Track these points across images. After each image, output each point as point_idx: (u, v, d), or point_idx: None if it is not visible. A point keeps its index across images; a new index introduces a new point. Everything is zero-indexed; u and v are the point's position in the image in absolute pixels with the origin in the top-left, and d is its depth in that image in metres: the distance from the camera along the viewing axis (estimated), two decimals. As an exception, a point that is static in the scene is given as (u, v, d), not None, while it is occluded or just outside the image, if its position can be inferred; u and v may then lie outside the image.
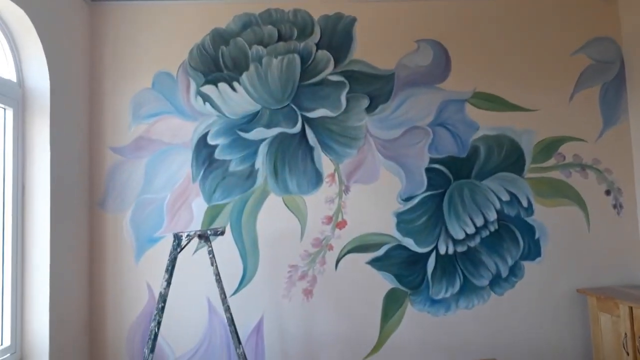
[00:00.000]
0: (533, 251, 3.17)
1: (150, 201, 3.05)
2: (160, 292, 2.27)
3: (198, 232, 2.35)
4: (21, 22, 2.42)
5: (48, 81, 2.54)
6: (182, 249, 2.35)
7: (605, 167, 3.23)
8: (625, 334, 2.71)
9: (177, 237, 2.34)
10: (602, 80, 3.27)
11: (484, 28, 3.25)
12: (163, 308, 2.31)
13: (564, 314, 3.13)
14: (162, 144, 3.08)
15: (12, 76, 2.49)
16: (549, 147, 3.22)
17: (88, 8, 3.08)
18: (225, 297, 2.31)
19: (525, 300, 3.13)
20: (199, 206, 3.07)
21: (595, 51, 3.28)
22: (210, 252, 2.34)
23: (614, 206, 3.22)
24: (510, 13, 3.27)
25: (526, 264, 3.16)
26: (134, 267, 3.00)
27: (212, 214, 3.07)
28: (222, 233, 2.59)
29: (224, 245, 3.04)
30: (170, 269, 2.30)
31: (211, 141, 3.09)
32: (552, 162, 3.21)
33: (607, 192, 3.22)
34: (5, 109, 2.42)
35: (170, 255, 2.33)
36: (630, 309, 2.68)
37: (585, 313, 3.12)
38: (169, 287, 2.29)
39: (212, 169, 3.08)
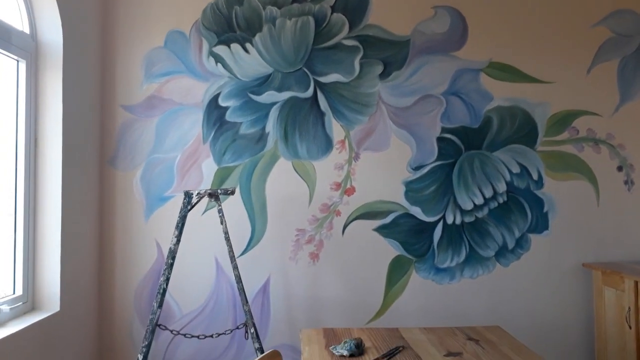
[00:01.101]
0: (541, 224, 3.17)
1: (160, 160, 3.07)
2: (170, 248, 2.30)
3: (209, 191, 2.37)
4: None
5: (61, 35, 2.52)
6: (192, 207, 2.37)
7: (619, 142, 3.20)
8: (629, 307, 2.72)
9: (188, 195, 2.36)
10: (621, 54, 3.21)
11: (503, -5, 3.19)
12: (172, 265, 2.35)
13: (568, 288, 3.15)
14: (173, 104, 3.08)
15: (25, 29, 2.47)
16: (563, 121, 3.18)
17: (101, -38, 3.03)
18: (234, 255, 2.34)
19: (530, 272, 3.15)
20: (208, 167, 3.08)
21: (616, 24, 3.21)
22: (220, 210, 2.36)
23: (625, 182, 3.20)
24: (531, -19, 3.20)
25: (533, 237, 3.16)
26: (143, 225, 3.04)
27: (222, 175, 3.08)
28: (232, 193, 2.60)
29: (233, 207, 3.06)
30: (180, 226, 2.33)
31: (222, 103, 3.08)
32: (565, 135, 3.18)
33: (619, 168, 3.20)
34: (18, 61, 2.41)
35: (180, 212, 2.36)
36: (636, 283, 2.69)
37: (589, 287, 3.13)
38: (179, 244, 2.32)
39: (222, 131, 3.08)
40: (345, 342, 1.97)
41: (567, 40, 3.19)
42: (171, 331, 2.48)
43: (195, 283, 3.05)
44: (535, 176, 3.16)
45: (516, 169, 3.16)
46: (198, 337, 2.50)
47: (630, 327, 2.72)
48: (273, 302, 3.08)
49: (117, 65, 3.07)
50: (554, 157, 3.17)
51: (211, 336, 2.50)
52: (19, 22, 2.45)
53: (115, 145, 3.07)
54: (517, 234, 3.16)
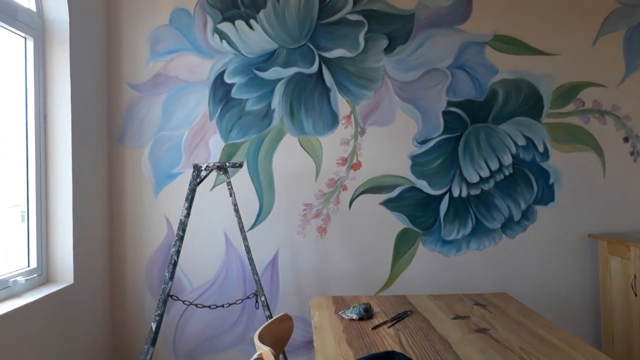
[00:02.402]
0: (547, 196, 3.19)
1: (168, 138, 3.10)
2: (181, 220, 2.35)
3: (217, 164, 2.40)
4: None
5: (67, 12, 2.54)
6: (201, 180, 2.41)
7: (625, 113, 3.20)
8: (635, 275, 2.75)
9: (197, 168, 2.39)
10: (627, 25, 3.19)
11: (508, -33, 3.17)
12: (182, 237, 2.39)
13: (574, 258, 3.17)
14: (179, 82, 3.10)
15: (32, 6, 2.49)
16: (568, 93, 3.18)
17: (105, -60, 3.03)
18: (243, 227, 2.38)
19: (536, 243, 3.18)
20: (216, 144, 3.11)
21: (623, -7, 3.19)
22: (229, 183, 2.39)
23: (631, 153, 3.20)
24: (536, -49, 3.17)
25: (539, 209, 3.19)
26: (153, 201, 3.08)
27: (229, 152, 3.11)
28: (241, 166, 2.64)
29: (241, 183, 3.09)
30: (190, 199, 2.37)
31: (228, 79, 3.10)
32: (570, 107, 3.18)
33: (625, 139, 3.20)
34: (26, 39, 2.44)
35: (190, 185, 2.39)
36: (641, 251, 2.71)
37: (595, 257, 3.16)
38: (189, 216, 2.36)
39: (228, 108, 3.10)
40: (354, 307, 2.02)
41: (572, 12, 3.18)
42: (183, 302, 2.54)
43: (205, 258, 3.10)
44: (541, 148, 3.17)
45: (522, 142, 3.17)
46: (210, 307, 2.56)
47: (635, 294, 2.74)
48: (282, 275, 3.13)
49: (123, 44, 3.09)
50: (560, 129, 3.18)
51: (222, 306, 2.55)
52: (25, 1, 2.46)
53: (123, 124, 3.10)
54: (523, 206, 3.18)
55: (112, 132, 3.09)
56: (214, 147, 3.11)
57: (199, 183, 2.43)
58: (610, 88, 3.19)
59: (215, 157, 3.11)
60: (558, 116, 3.18)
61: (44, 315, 2.30)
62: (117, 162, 3.10)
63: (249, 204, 3.11)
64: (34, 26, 2.46)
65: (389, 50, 3.12)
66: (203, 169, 2.39)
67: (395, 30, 3.13)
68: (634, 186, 3.19)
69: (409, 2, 3.13)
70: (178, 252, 2.36)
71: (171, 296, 2.48)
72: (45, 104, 2.55)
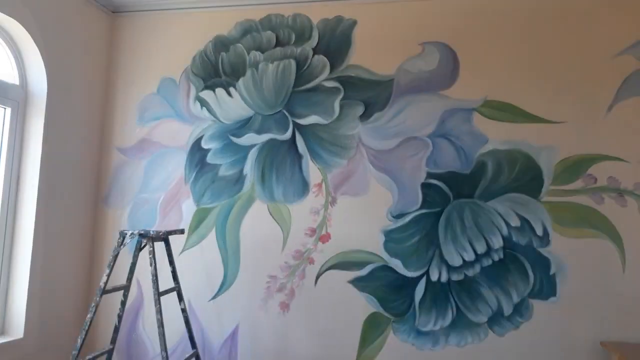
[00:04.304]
0: (546, 289, 2.66)
1: (146, 200, 3.19)
2: (100, 287, 2.34)
3: (140, 231, 2.39)
4: (22, 35, 2.71)
5: (46, 85, 2.80)
6: (124, 246, 2.41)
7: (652, 194, 2.61)
8: (639, 405, 2.13)
9: (122, 235, 2.40)
10: (653, 88, 2.66)
11: (500, 25, 2.85)
12: (98, 303, 2.36)
13: (581, 370, 2.57)
14: (161, 146, 3.21)
15: (15, 79, 2.78)
16: (575, 167, 2.69)
17: (107, 18, 3.34)
18: (159, 297, 2.30)
19: (531, 345, 2.63)
20: (188, 207, 3.12)
21: (647, 52, 2.69)
22: (151, 252, 2.35)
23: (662, 244, 2.57)
24: (533, 6, 2.82)
25: (536, 303, 2.66)
26: (127, 263, 3.13)
27: (200, 216, 3.10)
28: (182, 232, 2.64)
29: (208, 250, 3.05)
30: (112, 265, 2.37)
31: (205, 145, 3.14)
32: (578, 184, 2.68)
33: (653, 226, 2.59)
34: (5, 109, 2.72)
35: (114, 251, 2.40)
36: (645, 374, 2.10)
37: (610, 373, 2.53)
38: (108, 281, 2.36)
39: (203, 172, 3.12)
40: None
41: (580, 73, 2.73)
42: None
43: (169, 324, 3.03)
44: (539, 231, 2.69)
45: (515, 222, 2.72)
46: (132, 378, 2.47)
47: None
48: (240, 352, 2.96)
49: (115, 111, 3.31)
50: (564, 210, 2.68)
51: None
52: (10, 73, 2.76)
53: (110, 185, 3.26)
54: (516, 299, 2.68)
55: (99, 192, 3.27)
56: (187, 211, 3.13)
57: (121, 248, 2.43)
58: (632, 163, 2.63)
59: (187, 220, 3.12)
60: (562, 194, 2.69)
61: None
62: (101, 222, 3.25)
63: (214, 271, 3.03)
64: (15, 98, 2.74)
65: (364, 117, 2.94)
66: (127, 235, 2.39)
67: (373, 97, 2.95)
68: (666, 285, 2.54)
69: (389, 67, 2.95)
70: (91, 320, 2.35)
71: (96, 362, 2.45)
72: (19, 168, 2.78)
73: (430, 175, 2.84)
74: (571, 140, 2.71)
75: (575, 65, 2.75)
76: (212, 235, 3.07)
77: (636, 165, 2.63)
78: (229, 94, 3.14)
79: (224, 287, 3.02)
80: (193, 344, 2.65)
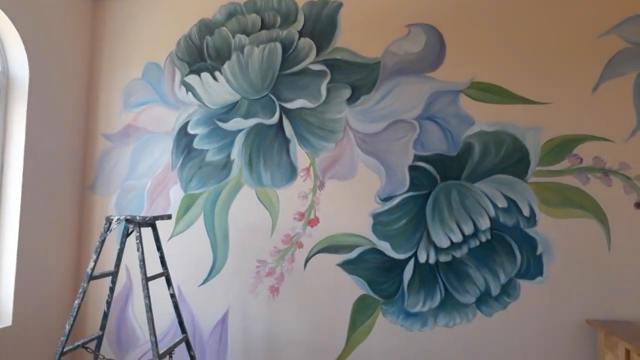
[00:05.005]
0: (533, 269, 2.68)
1: (133, 187, 3.17)
2: (87, 273, 2.33)
3: (126, 217, 2.37)
4: (3, 20, 2.66)
5: (27, 71, 2.75)
6: (110, 232, 2.39)
7: (637, 173, 2.62)
8: (622, 380, 2.16)
9: (108, 220, 2.38)
10: (638, 67, 2.66)
11: (486, 7, 2.83)
12: (85, 289, 2.35)
13: (567, 347, 2.60)
14: (147, 132, 3.18)
15: (-3, 65, 2.74)
16: (561, 147, 2.70)
17: (90, 3, 3.28)
18: (147, 282, 2.29)
19: (518, 324, 2.66)
20: (176, 193, 3.11)
21: (632, 32, 2.68)
22: (138, 237, 2.34)
23: (647, 222, 2.60)
24: (521, -10, 2.82)
25: (523, 283, 2.68)
26: (116, 250, 3.12)
27: (188, 202, 3.09)
28: (169, 217, 2.62)
29: (197, 235, 3.04)
30: (99, 251, 2.36)
31: (191, 130, 3.11)
32: (564, 164, 2.69)
33: (638, 205, 2.61)
34: (-14, 94, 2.68)
35: (100, 237, 2.38)
36: (628, 352, 2.13)
37: (595, 349, 2.56)
38: (95, 267, 2.34)
39: (190, 158, 3.10)
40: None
41: (566, 54, 2.73)
42: (94, 352, 2.49)
43: (158, 310, 3.04)
44: (526, 212, 2.70)
45: (502, 203, 2.73)
46: (121, 364, 2.47)
47: (621, 405, 2.15)
48: (231, 336, 2.96)
49: (100, 97, 3.27)
50: (551, 190, 2.69)
51: (133, 365, 2.45)
52: (-9, 60, 2.72)
53: (96, 172, 3.23)
54: (503, 279, 2.70)
55: (84, 180, 3.24)
56: (174, 197, 3.11)
57: (108, 234, 2.42)
58: (617, 143, 2.65)
59: (174, 207, 3.10)
60: (548, 174, 2.70)
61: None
62: (88, 209, 3.22)
63: (203, 257, 3.03)
64: (-4, 83, 2.70)
65: (351, 100, 2.93)
66: (114, 221, 2.37)
67: (359, 80, 2.93)
68: (650, 263, 2.57)
69: (375, 50, 2.93)
70: (79, 304, 2.33)
71: (85, 348, 2.44)
72: (3, 153, 2.74)
73: (417, 157, 2.84)
74: (557, 120, 2.71)
75: (561, 45, 2.74)
76: (200, 221, 3.05)
77: (621, 144, 2.65)
78: (215, 78, 3.10)
79: (213, 272, 3.02)
80: (183, 329, 2.65)
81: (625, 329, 2.33)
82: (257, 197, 3.01)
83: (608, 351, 2.36)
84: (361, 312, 2.84)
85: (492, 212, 2.74)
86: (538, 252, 2.68)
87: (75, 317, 2.33)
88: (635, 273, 2.57)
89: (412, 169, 2.83)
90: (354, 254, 2.87)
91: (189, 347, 2.65)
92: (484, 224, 2.74)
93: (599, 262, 2.62)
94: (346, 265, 2.88)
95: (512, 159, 2.74)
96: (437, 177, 2.81)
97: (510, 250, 2.71)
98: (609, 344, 2.35)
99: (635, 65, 2.66)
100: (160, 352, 2.33)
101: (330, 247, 2.91)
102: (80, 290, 2.32)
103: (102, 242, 2.37)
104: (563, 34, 2.75)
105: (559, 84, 2.72)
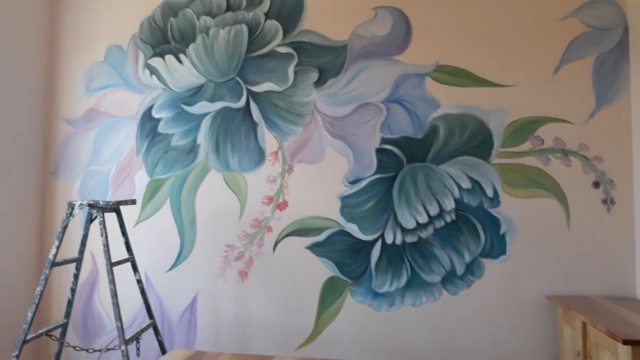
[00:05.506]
0: (497, 248, 2.75)
1: (96, 172, 3.10)
2: (49, 259, 2.28)
3: (90, 202, 2.32)
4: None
5: (-18, 51, 2.65)
6: (72, 217, 2.34)
7: (595, 154, 2.71)
8: (579, 352, 2.25)
9: (70, 205, 2.33)
10: (597, 51, 2.73)
11: (452, -9, 2.86)
12: (48, 276, 2.30)
13: (529, 323, 2.69)
14: (110, 116, 3.11)
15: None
16: (523, 129, 2.76)
17: (48, -17, 3.17)
18: (112, 267, 2.26)
19: (483, 302, 2.74)
20: (141, 179, 3.06)
21: (591, 16, 2.75)
22: (102, 222, 2.30)
23: (604, 201, 2.69)
24: (485, -27, 2.85)
25: (487, 262, 2.75)
26: (79, 236, 3.06)
27: (153, 187, 3.04)
28: (134, 202, 2.58)
29: (164, 221, 3.01)
30: (61, 237, 2.31)
31: (156, 114, 3.06)
32: (527, 146, 2.76)
33: (596, 184, 2.70)
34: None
35: (62, 222, 2.33)
36: (584, 325, 2.21)
37: (555, 324, 2.66)
38: (56, 255, 2.29)
39: (155, 142, 3.05)
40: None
41: (529, 37, 2.79)
42: (59, 340, 2.45)
43: (125, 297, 3.00)
44: (489, 192, 2.77)
45: (467, 184, 2.78)
46: (87, 350, 2.44)
47: (577, 376, 2.24)
48: (200, 321, 2.95)
49: (60, 81, 3.18)
50: (513, 171, 2.76)
51: (99, 350, 2.42)
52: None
53: (58, 157, 3.15)
54: (468, 258, 2.77)
55: (46, 166, 3.15)
56: (140, 183, 3.06)
57: (70, 219, 2.37)
58: (577, 124, 2.73)
59: (140, 192, 3.05)
60: (511, 156, 2.76)
61: None
62: (50, 195, 3.14)
63: (170, 243, 3.00)
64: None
65: (319, 83, 2.92)
66: (77, 206, 2.32)
67: (327, 63, 2.92)
68: (607, 241, 2.66)
69: (342, 33, 2.93)
70: (41, 293, 2.28)
71: (50, 336, 2.40)
72: (-43, 138, 2.65)
73: (384, 140, 2.86)
74: (520, 103, 2.77)
75: (524, 29, 2.79)
76: (167, 207, 3.02)
77: (580, 126, 2.73)
78: (179, 60, 3.05)
79: (181, 257, 3.00)
80: (150, 315, 2.63)
81: (582, 303, 2.42)
82: (225, 181, 2.98)
83: (567, 325, 2.45)
84: (330, 294, 2.87)
85: (457, 193, 2.79)
86: (501, 232, 2.75)
87: (37, 305, 2.28)
88: (592, 250, 2.67)
89: (379, 151, 2.86)
90: (322, 237, 2.89)
91: (156, 332, 2.64)
92: (449, 204, 2.79)
93: (559, 240, 2.71)
94: (315, 248, 2.89)
95: (476, 140, 2.79)
96: (404, 159, 2.84)
97: (475, 230, 2.77)
98: (567, 318, 2.44)
99: (595, 49, 2.73)
100: (127, 337, 2.31)
101: (299, 230, 2.91)
102: (42, 277, 2.27)
103: (64, 228, 2.32)
104: (526, 18, 2.79)
105: (522, 67, 2.78)
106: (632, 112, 2.68)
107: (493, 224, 2.76)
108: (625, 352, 1.83)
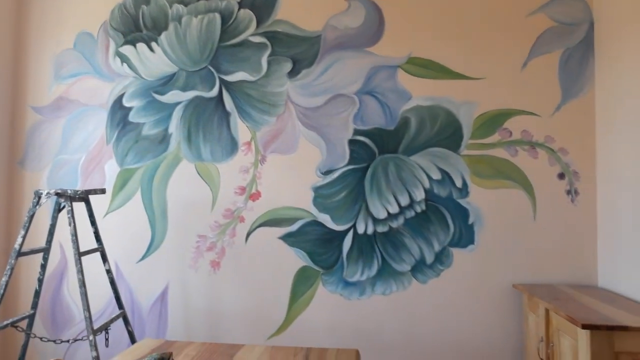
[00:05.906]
0: (465, 237, 2.81)
1: (66, 161, 3.05)
2: (15, 249, 2.24)
3: (57, 191, 2.29)
4: None
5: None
6: (39, 206, 2.31)
7: (560, 146, 2.78)
8: (542, 338, 2.32)
9: (37, 194, 2.29)
10: (564, 46, 2.80)
11: (424, -16, 2.89)
12: (13, 267, 2.27)
13: (495, 311, 2.75)
14: (80, 105, 3.06)
15: None
16: (492, 121, 2.82)
17: (15, -34, 3.09)
18: (80, 257, 2.24)
19: (451, 291, 2.79)
20: (111, 168, 3.02)
21: (559, 11, 2.81)
22: (70, 211, 2.27)
23: (568, 192, 2.77)
24: (456, -33, 2.88)
25: (456, 252, 2.81)
26: (47, 226, 3.00)
27: (124, 177, 3.01)
28: (103, 192, 2.55)
29: (134, 211, 2.98)
30: (27, 226, 2.27)
31: (126, 103, 3.02)
32: (495, 138, 2.82)
33: (561, 176, 2.78)
34: None
35: (29, 212, 2.29)
36: (547, 311, 2.28)
37: (521, 311, 2.73)
38: (23, 243, 2.26)
39: (125, 132, 3.01)
40: (149, 356, 1.80)
41: (498, 31, 2.84)
42: (27, 333, 2.41)
43: (95, 288, 2.96)
44: (459, 183, 2.82)
45: (437, 175, 2.83)
46: (54, 341, 2.41)
47: (540, 361, 2.31)
48: (171, 312, 2.94)
49: (28, 68, 3.11)
50: (482, 162, 2.81)
51: (67, 341, 2.39)
52: None
53: (25, 146, 3.09)
54: (437, 248, 2.82)
55: (13, 155, 3.08)
56: (110, 172, 3.02)
57: (37, 209, 2.33)
58: (543, 117, 2.79)
59: (110, 182, 3.02)
60: (480, 147, 2.82)
61: None
62: (17, 185, 3.08)
63: (141, 233, 2.97)
64: None
65: (293, 74, 2.92)
66: (44, 195, 2.28)
67: (300, 53, 2.93)
68: (571, 230, 2.74)
69: (316, 23, 2.93)
70: (6, 283, 2.25)
71: (16, 327, 2.36)
72: None
73: (356, 131, 2.88)
74: (489, 95, 2.83)
75: (494, 23, 2.84)
76: (137, 197, 2.99)
77: (547, 118, 2.79)
78: (151, 49, 3.01)
79: (152, 248, 2.97)
80: (120, 305, 2.61)
81: (546, 291, 2.50)
82: (197, 171, 2.97)
83: (531, 312, 2.52)
84: (302, 283, 2.89)
85: (427, 184, 2.83)
86: (470, 222, 2.81)
87: (2, 295, 2.24)
88: (557, 240, 2.75)
89: (352, 142, 2.88)
90: (295, 227, 2.91)
91: (126, 322, 2.62)
92: (419, 195, 2.83)
93: (525, 230, 2.77)
94: (287, 238, 2.91)
95: (446, 132, 2.84)
96: (376, 150, 2.87)
97: (444, 220, 2.82)
98: (531, 305, 2.51)
99: (561, 43, 2.80)
100: (96, 327, 2.29)
101: (271, 221, 2.92)
102: (8, 267, 2.24)
103: (31, 217, 2.29)
104: (495, 12, 2.84)
105: (491, 60, 2.83)
106: (596, 106, 2.75)
107: (462, 214, 2.81)
108: (584, 336, 1.89)
